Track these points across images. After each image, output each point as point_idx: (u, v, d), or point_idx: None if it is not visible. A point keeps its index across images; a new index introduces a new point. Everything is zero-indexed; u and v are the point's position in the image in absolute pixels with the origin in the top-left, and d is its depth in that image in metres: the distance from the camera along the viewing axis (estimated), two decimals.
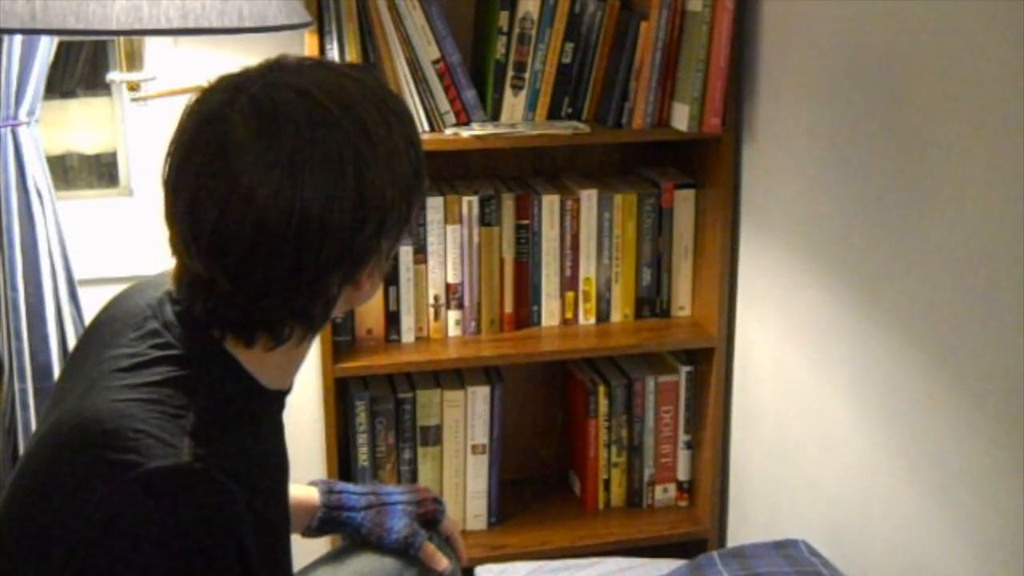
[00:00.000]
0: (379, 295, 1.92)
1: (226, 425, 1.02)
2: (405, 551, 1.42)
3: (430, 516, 1.48)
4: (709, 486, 2.07)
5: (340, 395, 1.94)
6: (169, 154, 1.02)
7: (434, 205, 1.92)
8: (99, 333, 1.12)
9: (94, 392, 1.02)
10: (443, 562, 1.45)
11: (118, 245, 2.02)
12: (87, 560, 0.93)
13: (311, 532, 1.45)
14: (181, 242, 1.01)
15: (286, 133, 0.97)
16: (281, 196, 0.95)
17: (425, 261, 1.95)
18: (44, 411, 1.16)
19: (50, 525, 0.96)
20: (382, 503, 1.45)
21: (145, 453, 0.95)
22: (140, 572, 0.93)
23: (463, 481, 2.04)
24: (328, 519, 1.44)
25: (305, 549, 1.44)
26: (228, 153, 0.96)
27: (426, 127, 1.85)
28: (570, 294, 2.03)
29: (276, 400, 1.13)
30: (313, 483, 1.47)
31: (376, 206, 1.00)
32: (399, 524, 1.43)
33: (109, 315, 1.14)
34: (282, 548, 1.13)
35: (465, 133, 1.83)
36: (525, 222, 1.98)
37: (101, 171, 2.10)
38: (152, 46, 1.79)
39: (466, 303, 1.98)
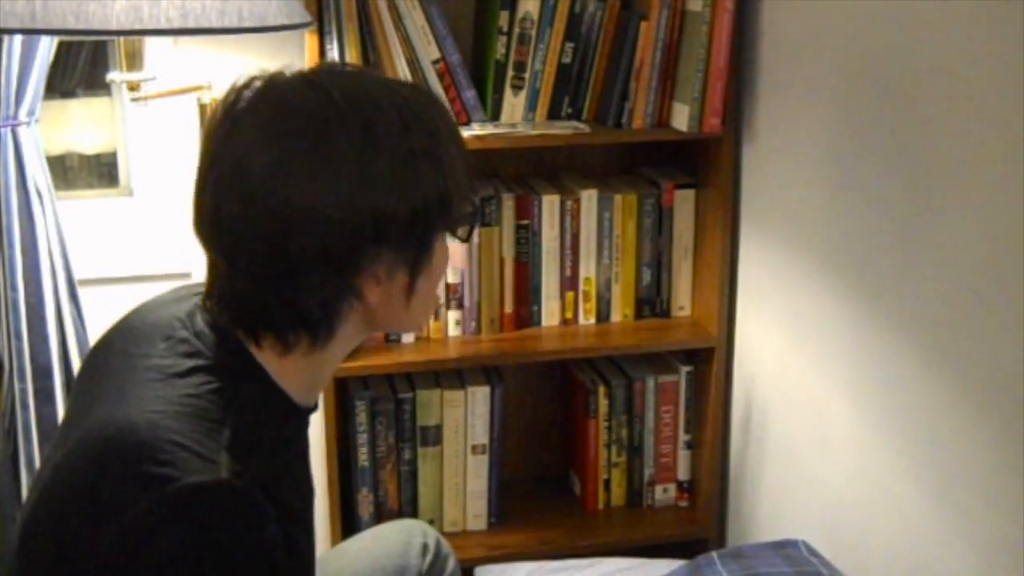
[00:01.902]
0: None
1: (261, 442, 1.02)
2: None
3: None
4: (709, 486, 2.07)
5: (340, 395, 1.94)
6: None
7: None
8: (122, 343, 1.11)
9: (127, 403, 1.01)
10: None
11: (118, 245, 2.02)
12: (125, 568, 0.92)
13: None
14: (196, 226, 1.04)
15: (291, 121, 0.99)
16: (271, 178, 0.97)
17: None
18: (64, 422, 1.14)
19: (80, 536, 0.95)
20: None
21: (183, 467, 0.93)
22: None
23: (463, 481, 2.04)
24: None
25: None
26: (234, 135, 1.00)
27: None
28: (570, 294, 2.03)
29: (302, 415, 1.13)
30: None
31: (371, 212, 0.99)
32: None
33: (130, 325, 1.14)
34: (309, 561, 1.12)
35: (465, 133, 1.83)
36: (525, 222, 1.98)
37: (101, 171, 2.10)
38: (152, 46, 1.79)
39: (466, 303, 1.98)
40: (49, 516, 1.00)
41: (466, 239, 1.14)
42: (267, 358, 1.06)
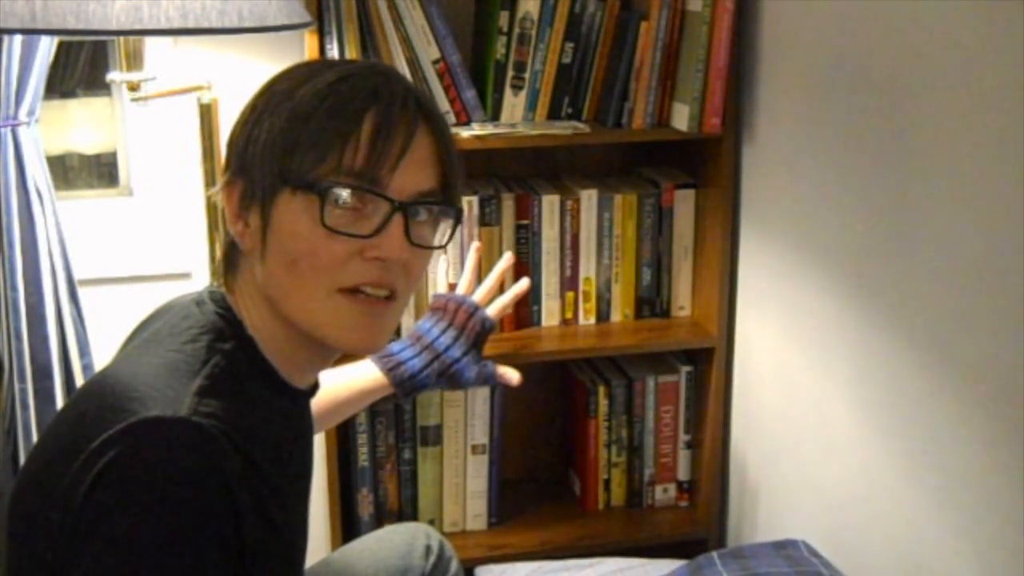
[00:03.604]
0: None
1: (234, 396, 1.03)
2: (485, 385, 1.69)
3: (479, 333, 1.61)
4: (709, 486, 2.07)
5: None
6: None
7: None
8: (143, 327, 1.17)
9: (122, 360, 1.08)
10: (515, 377, 1.66)
11: (118, 245, 2.02)
12: (84, 503, 0.93)
13: (402, 399, 1.64)
14: None
15: (283, 74, 1.09)
16: (249, 108, 1.09)
17: None
18: None
19: (58, 471, 0.96)
20: (440, 359, 1.57)
21: (147, 404, 0.96)
22: (131, 515, 0.92)
23: (463, 481, 2.04)
24: (406, 392, 1.55)
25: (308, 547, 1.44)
26: None
27: None
28: (570, 294, 2.03)
29: (290, 394, 1.14)
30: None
31: (251, 129, 1.06)
32: (470, 374, 1.59)
33: (157, 310, 1.19)
34: (288, 539, 1.12)
35: (465, 133, 1.83)
36: (525, 222, 1.98)
37: (101, 171, 2.10)
38: (152, 46, 1.79)
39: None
40: (40, 458, 1.03)
41: (444, 245, 1.11)
42: (256, 323, 1.10)
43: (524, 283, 1.71)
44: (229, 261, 1.12)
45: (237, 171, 1.07)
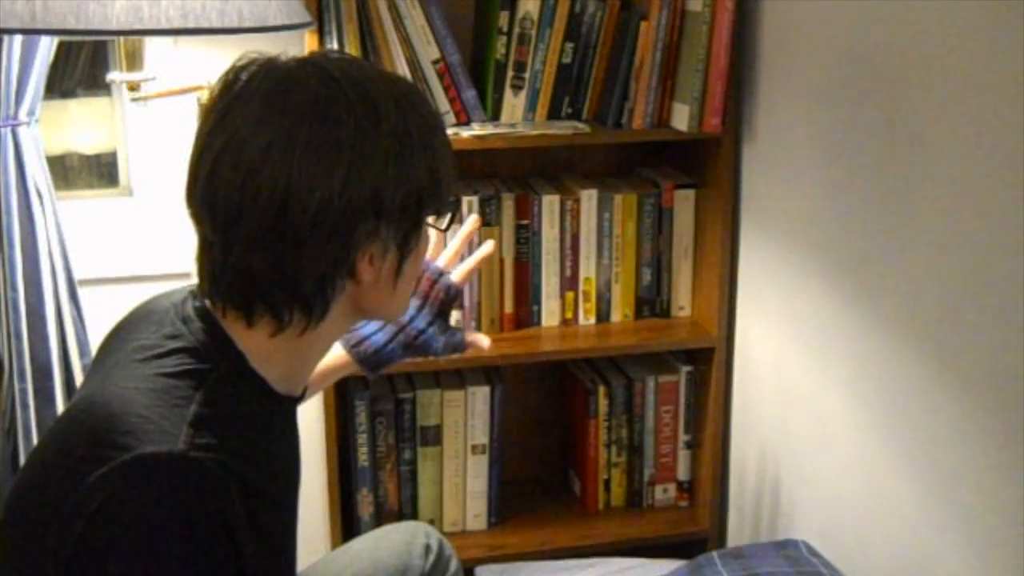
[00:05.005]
0: None
1: (229, 419, 1.02)
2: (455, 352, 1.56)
3: (443, 300, 1.54)
4: (709, 486, 2.07)
5: (340, 395, 1.94)
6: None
7: None
8: (123, 330, 1.14)
9: (108, 380, 1.04)
10: (486, 341, 1.56)
11: (118, 245, 2.02)
12: (80, 543, 0.92)
13: (369, 375, 1.53)
14: (188, 198, 1.05)
15: (294, 98, 1.00)
16: (273, 152, 0.98)
17: None
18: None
19: (49, 507, 0.96)
20: (405, 331, 1.51)
21: (142, 438, 0.95)
22: (128, 555, 0.92)
23: (463, 481, 2.05)
24: (370, 366, 1.49)
25: (305, 549, 1.44)
26: (235, 109, 1.00)
27: None
28: (570, 294, 2.03)
29: (284, 404, 1.13)
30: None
31: (371, 189, 1.01)
32: (437, 344, 1.51)
33: (135, 314, 1.16)
34: (283, 550, 1.12)
35: (465, 133, 1.83)
36: (525, 222, 1.98)
37: (101, 171, 2.10)
38: (152, 46, 1.79)
39: (466, 303, 1.98)
40: (26, 490, 1.02)
41: (445, 228, 1.20)
42: (251, 342, 1.07)
43: (489, 245, 1.65)
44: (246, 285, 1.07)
45: (374, 218, 1.03)
